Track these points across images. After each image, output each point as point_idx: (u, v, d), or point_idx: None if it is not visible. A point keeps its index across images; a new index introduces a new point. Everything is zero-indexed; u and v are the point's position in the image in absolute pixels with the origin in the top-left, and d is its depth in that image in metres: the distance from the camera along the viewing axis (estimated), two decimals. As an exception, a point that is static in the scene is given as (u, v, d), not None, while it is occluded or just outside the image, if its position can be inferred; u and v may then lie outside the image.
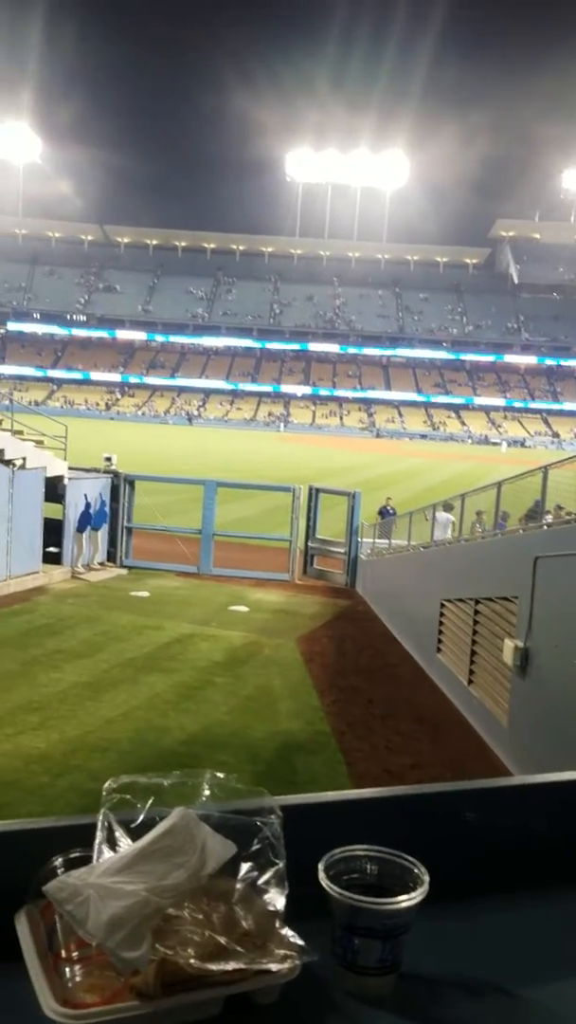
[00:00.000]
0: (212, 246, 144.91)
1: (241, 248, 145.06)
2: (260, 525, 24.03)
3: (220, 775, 1.07)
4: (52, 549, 18.46)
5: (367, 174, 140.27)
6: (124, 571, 20.03)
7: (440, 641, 12.29)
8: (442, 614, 12.20)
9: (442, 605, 12.22)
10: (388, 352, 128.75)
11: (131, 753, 9.02)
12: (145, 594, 17.60)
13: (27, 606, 15.62)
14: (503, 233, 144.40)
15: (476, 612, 10.52)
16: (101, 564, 19.91)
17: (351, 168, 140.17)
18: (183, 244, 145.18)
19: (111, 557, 20.33)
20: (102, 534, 19.95)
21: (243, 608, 16.92)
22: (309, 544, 21.33)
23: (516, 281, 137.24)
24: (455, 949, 1.11)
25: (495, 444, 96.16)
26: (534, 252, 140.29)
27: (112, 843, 0.99)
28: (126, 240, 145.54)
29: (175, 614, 15.89)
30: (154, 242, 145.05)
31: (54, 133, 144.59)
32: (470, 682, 10.66)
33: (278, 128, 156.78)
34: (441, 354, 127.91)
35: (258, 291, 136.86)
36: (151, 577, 19.48)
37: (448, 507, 16.74)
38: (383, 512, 22.02)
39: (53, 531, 18.33)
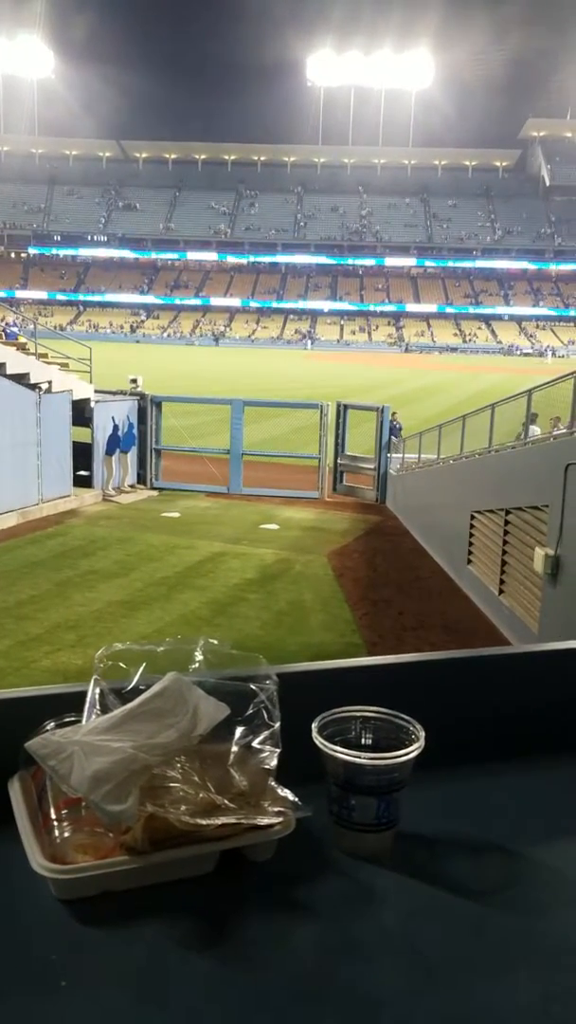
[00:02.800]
0: (232, 158, 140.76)
1: (262, 159, 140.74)
2: (289, 444, 23.93)
3: (214, 641, 1.05)
4: (82, 472, 18.57)
5: (391, 76, 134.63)
6: (154, 493, 20.14)
7: (471, 553, 12.27)
8: (472, 526, 12.15)
9: (472, 517, 12.16)
10: (416, 263, 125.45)
11: (166, 666, 9.20)
12: (176, 515, 17.72)
13: (60, 529, 15.82)
14: (534, 133, 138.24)
15: (506, 522, 10.45)
16: (131, 486, 20.03)
17: (374, 70, 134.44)
18: (203, 157, 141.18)
19: (141, 479, 20.43)
20: (131, 456, 20.01)
21: (273, 526, 16.98)
22: (338, 461, 21.24)
23: (548, 183, 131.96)
24: (454, 811, 1.10)
25: (527, 355, 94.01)
26: (567, 152, 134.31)
27: (104, 708, 0.98)
28: (144, 155, 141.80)
29: (206, 533, 16.00)
30: (173, 156, 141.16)
31: (66, 46, 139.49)
32: (500, 592, 10.67)
33: (298, 29, 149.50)
34: (471, 263, 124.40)
35: (281, 204, 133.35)
36: (181, 498, 19.57)
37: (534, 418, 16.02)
38: (391, 429, 21.64)
39: (82, 455, 18.41)
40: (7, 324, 24.13)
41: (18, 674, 8.98)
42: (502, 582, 10.65)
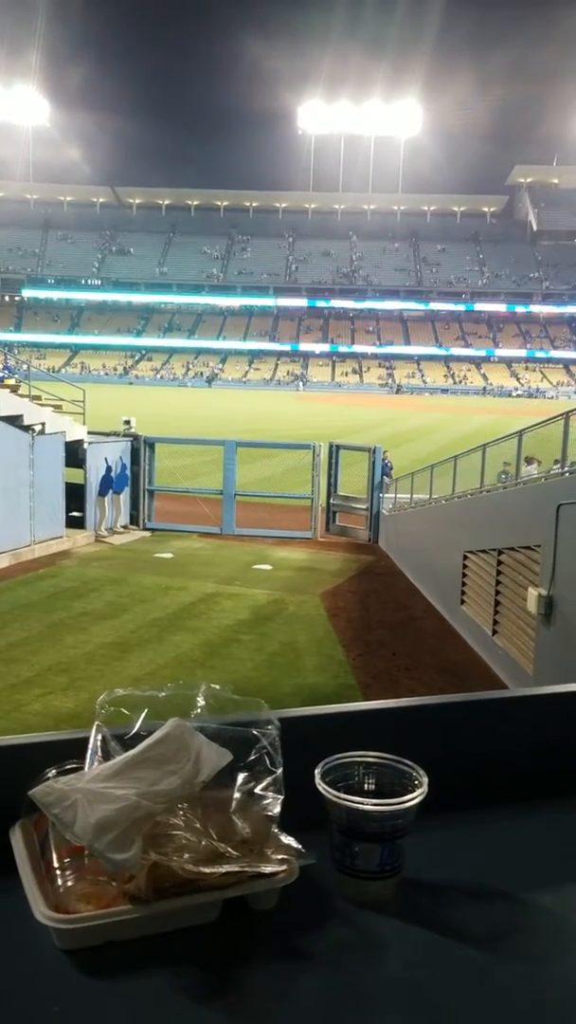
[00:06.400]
0: (225, 204, 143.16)
1: (254, 204, 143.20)
2: (281, 484, 23.98)
3: (216, 686, 1.06)
4: (75, 513, 18.56)
5: (380, 124, 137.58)
6: (147, 533, 20.12)
7: (464, 593, 12.26)
8: (465, 566, 12.15)
9: (465, 556, 12.17)
10: (406, 306, 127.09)
11: (159, 709, 9.11)
12: (169, 555, 17.69)
13: (52, 570, 15.76)
14: (521, 179, 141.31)
15: (499, 563, 10.46)
16: (124, 527, 20.01)
17: (364, 118, 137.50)
18: (195, 203, 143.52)
19: (134, 520, 20.42)
20: (124, 497, 20.02)
21: (266, 566, 16.96)
22: (331, 501, 21.29)
23: (535, 228, 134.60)
24: (457, 857, 1.10)
25: (518, 396, 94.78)
26: (553, 198, 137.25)
27: (106, 755, 0.98)
28: (138, 201, 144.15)
29: (199, 574, 15.96)
30: (166, 202, 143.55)
31: (61, 95, 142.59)
32: (494, 632, 10.64)
33: (289, 80, 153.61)
34: (460, 306, 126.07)
35: (273, 248, 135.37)
36: (174, 539, 19.55)
37: (530, 460, 16.01)
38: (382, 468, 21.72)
39: (75, 496, 18.41)
40: (5, 367, 24.25)
41: (8, 717, 8.87)
42: (495, 622, 10.63)
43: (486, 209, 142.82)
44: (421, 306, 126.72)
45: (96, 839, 0.85)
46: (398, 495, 20.38)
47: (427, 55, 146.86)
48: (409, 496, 18.81)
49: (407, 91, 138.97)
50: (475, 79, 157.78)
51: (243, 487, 21.03)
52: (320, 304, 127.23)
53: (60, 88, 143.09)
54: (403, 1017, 0.84)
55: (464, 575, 12.19)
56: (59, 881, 0.91)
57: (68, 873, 0.92)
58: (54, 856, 0.93)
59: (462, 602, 12.28)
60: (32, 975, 0.87)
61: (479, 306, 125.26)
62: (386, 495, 20.93)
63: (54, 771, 0.98)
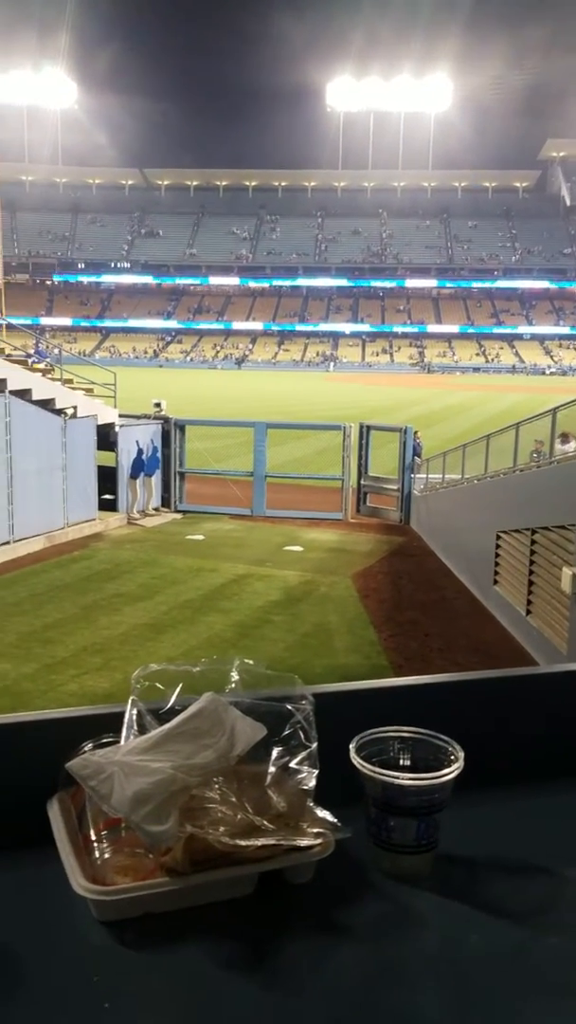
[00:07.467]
0: (253, 183, 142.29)
1: (283, 184, 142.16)
2: (312, 465, 23.97)
3: (249, 661, 1.06)
4: (107, 496, 18.70)
5: (410, 99, 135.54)
6: (179, 516, 20.22)
7: (497, 573, 12.18)
8: (498, 545, 12.07)
9: (498, 536, 12.08)
10: (437, 284, 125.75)
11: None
12: (200, 537, 17.77)
13: (85, 552, 15.92)
14: (554, 153, 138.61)
15: (533, 542, 10.37)
16: (156, 509, 20.13)
17: (393, 94, 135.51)
18: (224, 183, 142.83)
19: (165, 502, 20.53)
20: (156, 480, 20.12)
21: (298, 548, 16.98)
22: (362, 482, 21.22)
23: (568, 203, 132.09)
24: (494, 833, 1.09)
25: (552, 374, 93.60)
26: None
27: (141, 729, 0.98)
28: (166, 183, 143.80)
29: (230, 556, 16.02)
30: (195, 183, 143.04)
31: (89, 77, 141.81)
32: (528, 612, 10.57)
33: (318, 57, 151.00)
34: (493, 283, 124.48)
35: (302, 228, 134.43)
36: (206, 520, 19.63)
37: (565, 438, 15.68)
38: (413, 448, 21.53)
39: (107, 478, 18.55)
40: (37, 351, 24.44)
41: (44, 697, 9.00)
42: (529, 602, 10.55)
43: (518, 184, 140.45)
44: (452, 284, 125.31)
45: (133, 811, 0.86)
46: (429, 475, 20.26)
47: (459, 27, 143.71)
48: (441, 476, 18.69)
49: (438, 65, 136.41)
50: (508, 51, 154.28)
51: (273, 469, 21.03)
52: (350, 283, 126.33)
53: (88, 70, 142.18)
54: (439, 991, 0.84)
55: (497, 555, 12.11)
56: (97, 853, 0.92)
57: (105, 845, 0.93)
58: (91, 829, 0.94)
59: (495, 582, 12.20)
60: (71, 946, 0.88)
61: (511, 283, 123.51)
62: (417, 475, 20.81)
63: (90, 744, 0.98)
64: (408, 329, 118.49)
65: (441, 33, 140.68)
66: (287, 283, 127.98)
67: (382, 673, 10.04)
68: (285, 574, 14.66)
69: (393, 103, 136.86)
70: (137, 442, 19.41)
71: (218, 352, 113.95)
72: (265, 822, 0.91)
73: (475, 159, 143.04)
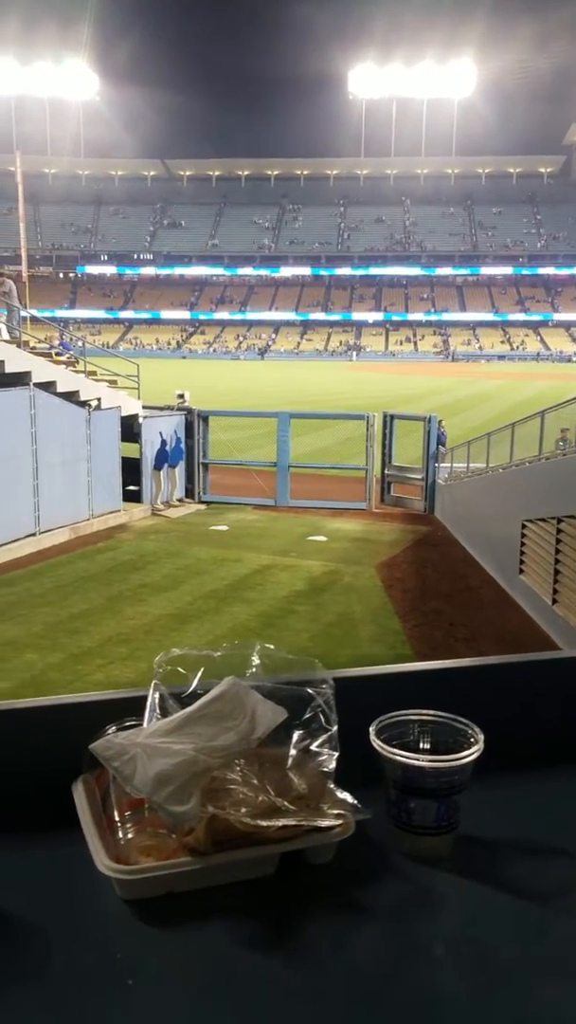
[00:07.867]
0: (275, 173, 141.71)
1: (305, 173, 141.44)
2: (335, 455, 23.93)
3: (270, 646, 1.07)
4: (131, 487, 18.81)
5: (433, 85, 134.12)
6: (203, 506, 20.29)
7: (522, 562, 12.12)
8: (524, 534, 12.00)
9: (523, 525, 12.01)
10: (462, 272, 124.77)
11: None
12: (224, 528, 17.83)
13: (110, 543, 16.02)
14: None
15: (559, 531, 10.31)
16: (180, 500, 20.21)
17: (416, 81, 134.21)
18: (246, 173, 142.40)
19: (189, 493, 20.60)
20: (179, 471, 20.20)
21: (321, 538, 16.98)
22: (386, 472, 21.16)
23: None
24: (514, 815, 1.09)
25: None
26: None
27: (163, 712, 1.00)
28: (188, 173, 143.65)
29: (254, 546, 16.05)
30: (216, 173, 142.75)
31: (110, 68, 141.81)
32: (554, 601, 10.51)
33: (339, 43, 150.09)
34: (518, 270, 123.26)
35: (325, 216, 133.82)
36: (229, 511, 19.68)
37: None
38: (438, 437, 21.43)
39: (131, 470, 18.65)
40: (61, 343, 24.60)
41: (70, 687, 9.09)
42: (555, 591, 10.49)
43: (542, 170, 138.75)
44: (476, 272, 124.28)
45: (155, 792, 0.88)
46: (454, 464, 20.16)
47: (483, 12, 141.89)
48: (465, 465, 18.59)
49: (461, 50, 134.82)
50: (532, 35, 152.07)
51: (297, 459, 21.03)
52: (373, 272, 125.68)
53: (109, 61, 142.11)
54: (459, 972, 0.84)
55: (522, 544, 12.04)
56: (120, 834, 0.94)
57: (129, 826, 0.94)
58: (115, 810, 0.96)
59: (520, 571, 12.14)
60: (95, 924, 0.90)
61: (537, 269, 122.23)
62: (441, 465, 20.72)
63: (114, 727, 1.00)
64: (432, 317, 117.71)
65: (465, 18, 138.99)
66: (310, 272, 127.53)
67: (407, 662, 10.03)
68: (309, 564, 14.68)
69: (416, 89, 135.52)
70: (161, 433, 19.49)
71: (241, 343, 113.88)
72: (286, 803, 0.92)
73: (499, 145, 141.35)
